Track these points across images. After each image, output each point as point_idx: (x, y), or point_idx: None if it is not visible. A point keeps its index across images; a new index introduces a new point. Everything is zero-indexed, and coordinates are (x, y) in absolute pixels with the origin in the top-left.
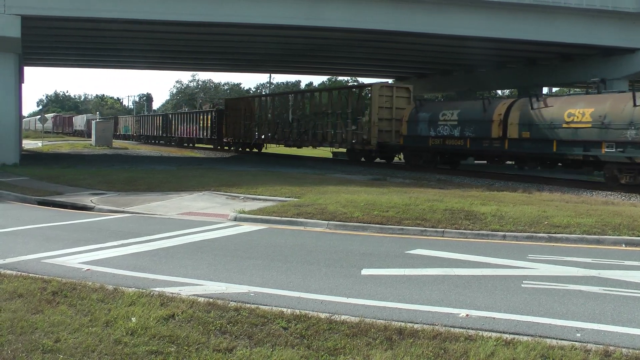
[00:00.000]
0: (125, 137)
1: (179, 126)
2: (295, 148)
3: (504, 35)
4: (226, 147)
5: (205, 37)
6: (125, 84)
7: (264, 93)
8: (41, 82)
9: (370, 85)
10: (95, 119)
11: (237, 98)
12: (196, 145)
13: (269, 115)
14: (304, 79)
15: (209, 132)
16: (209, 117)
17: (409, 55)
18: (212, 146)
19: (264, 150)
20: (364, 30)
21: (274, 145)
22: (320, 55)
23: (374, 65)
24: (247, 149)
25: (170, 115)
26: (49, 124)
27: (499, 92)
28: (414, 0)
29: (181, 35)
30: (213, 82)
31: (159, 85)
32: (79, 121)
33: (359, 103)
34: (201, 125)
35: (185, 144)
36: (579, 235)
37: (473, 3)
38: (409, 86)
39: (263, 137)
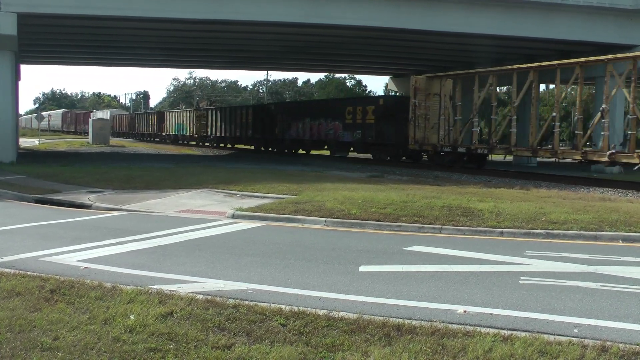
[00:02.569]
0: (177, 140)
1: (295, 124)
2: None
3: (503, 32)
4: (420, 161)
5: (205, 34)
6: (121, 82)
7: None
8: (38, 80)
9: None
10: (123, 115)
11: (436, 76)
12: (333, 153)
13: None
14: (301, 76)
15: (372, 132)
16: (371, 109)
17: (407, 52)
18: (370, 156)
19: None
20: (363, 28)
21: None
22: (319, 53)
23: (372, 62)
24: (450, 164)
25: (274, 107)
26: (57, 122)
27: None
28: None
29: (180, 33)
30: (210, 80)
31: (156, 82)
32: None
33: None
34: (349, 122)
35: (294, 150)
36: (576, 232)
37: (472, 0)
38: None
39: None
